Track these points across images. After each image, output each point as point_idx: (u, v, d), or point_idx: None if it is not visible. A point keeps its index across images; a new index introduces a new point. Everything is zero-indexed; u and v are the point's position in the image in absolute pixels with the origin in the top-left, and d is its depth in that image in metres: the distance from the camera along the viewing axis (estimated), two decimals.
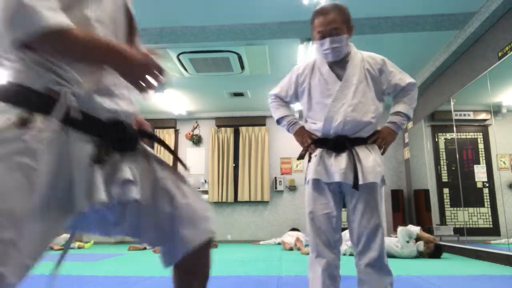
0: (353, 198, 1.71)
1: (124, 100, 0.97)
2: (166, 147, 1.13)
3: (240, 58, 5.04)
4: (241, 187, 7.42)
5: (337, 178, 1.67)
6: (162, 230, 1.02)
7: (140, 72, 0.91)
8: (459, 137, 5.08)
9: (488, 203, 4.72)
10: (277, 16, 4.07)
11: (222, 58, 5.02)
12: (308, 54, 4.77)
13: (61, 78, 0.85)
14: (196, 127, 7.86)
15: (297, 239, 5.62)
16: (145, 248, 5.82)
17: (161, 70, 0.94)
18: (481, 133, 4.96)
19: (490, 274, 3.27)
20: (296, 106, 5.91)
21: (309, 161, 1.82)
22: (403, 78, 1.79)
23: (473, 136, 5.03)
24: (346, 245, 4.55)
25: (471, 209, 4.87)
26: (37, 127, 0.80)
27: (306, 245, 5.53)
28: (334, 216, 1.72)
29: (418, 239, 4.54)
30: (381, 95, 1.80)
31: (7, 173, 0.76)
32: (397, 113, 1.81)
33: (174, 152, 1.13)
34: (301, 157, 1.84)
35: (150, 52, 0.94)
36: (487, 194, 4.76)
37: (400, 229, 4.55)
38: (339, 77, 1.74)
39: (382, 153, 1.80)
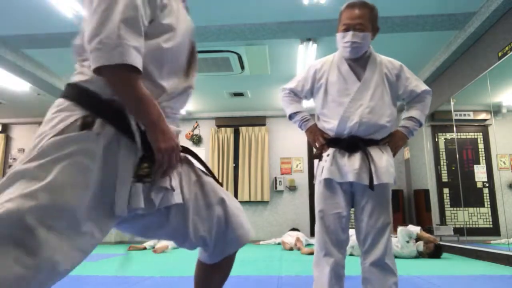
0: (363, 198, 1.72)
1: (174, 121, 1.08)
2: (200, 160, 1.19)
3: (240, 58, 5.04)
4: (241, 187, 7.42)
5: (350, 178, 1.68)
6: (214, 230, 1.11)
7: (164, 154, 0.96)
8: (459, 137, 5.08)
9: (488, 203, 4.72)
10: (277, 16, 4.07)
11: (222, 58, 5.02)
12: (308, 54, 4.77)
13: None
14: (196, 127, 7.86)
15: (297, 239, 5.62)
16: (145, 248, 5.82)
17: (173, 167, 1.00)
18: (481, 133, 4.96)
19: (490, 274, 3.27)
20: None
21: (320, 160, 1.81)
22: (419, 85, 1.81)
23: (473, 136, 5.03)
24: None
25: (471, 209, 4.87)
26: (98, 132, 0.89)
27: (307, 245, 5.52)
28: (344, 216, 1.73)
29: (418, 239, 4.54)
30: (396, 100, 1.82)
31: (67, 170, 0.84)
32: (410, 118, 1.83)
33: (206, 166, 1.20)
34: (316, 156, 1.82)
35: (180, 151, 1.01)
36: (487, 194, 4.76)
37: (400, 229, 4.55)
38: (358, 78, 1.74)
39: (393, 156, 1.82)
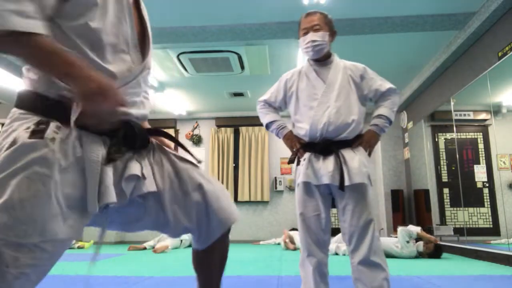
0: (342, 199, 1.79)
1: (135, 105, 1.02)
2: (175, 140, 1.16)
3: (240, 58, 5.04)
4: (241, 187, 7.42)
5: (325, 180, 1.76)
6: (195, 217, 1.08)
7: (88, 100, 0.85)
8: (459, 137, 5.08)
9: (488, 203, 4.72)
10: (277, 16, 4.07)
11: (222, 58, 5.02)
12: None
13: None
14: (196, 127, 7.86)
15: (287, 236, 5.65)
16: (145, 248, 5.82)
17: (115, 106, 0.89)
18: (481, 133, 4.96)
19: (490, 274, 3.27)
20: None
21: (297, 164, 1.92)
22: (383, 84, 1.91)
23: (473, 136, 5.03)
24: (345, 245, 4.54)
25: (471, 209, 4.87)
26: (53, 136, 0.85)
27: None
28: (323, 218, 1.82)
29: (419, 239, 4.54)
30: (364, 100, 1.91)
31: (26, 183, 0.81)
32: (379, 116, 1.90)
33: (183, 146, 1.17)
34: (291, 161, 1.94)
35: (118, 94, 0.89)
36: (487, 194, 4.76)
37: (400, 229, 4.55)
38: (325, 82, 1.86)
39: (368, 155, 1.88)
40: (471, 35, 4.13)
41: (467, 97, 4.75)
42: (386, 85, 1.91)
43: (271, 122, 2.02)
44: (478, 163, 4.88)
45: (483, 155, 4.84)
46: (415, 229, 4.57)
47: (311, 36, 1.83)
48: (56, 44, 0.85)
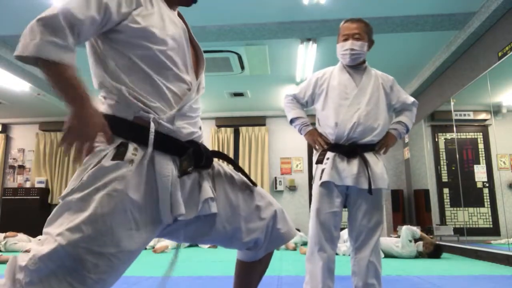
0: (357, 200, 1.88)
1: (197, 123, 1.13)
2: (234, 164, 1.27)
3: (240, 58, 5.04)
4: None
5: (348, 182, 1.83)
6: (265, 230, 1.20)
7: (74, 131, 0.90)
8: (459, 137, 5.08)
9: (488, 203, 4.72)
10: (277, 16, 4.07)
11: (222, 58, 5.02)
12: (308, 54, 4.77)
13: (147, 106, 1.00)
14: None
15: None
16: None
17: (83, 146, 0.93)
18: (481, 133, 4.96)
19: (490, 274, 3.27)
20: None
21: (319, 162, 1.96)
22: (408, 97, 2.06)
23: (473, 136, 5.03)
24: (345, 246, 4.54)
25: (471, 209, 4.87)
26: (131, 159, 0.96)
27: (303, 244, 5.52)
28: (338, 215, 1.89)
29: (419, 239, 4.54)
30: (389, 108, 2.02)
31: (107, 199, 0.92)
32: (399, 122, 2.04)
33: (242, 169, 1.27)
34: (319, 161, 1.96)
35: (104, 130, 0.95)
36: (487, 194, 4.76)
37: (404, 227, 4.54)
38: (357, 85, 1.94)
39: (383, 153, 1.98)
40: (471, 35, 4.13)
41: (467, 97, 4.75)
42: (411, 98, 2.06)
43: (296, 118, 2.09)
44: (478, 163, 4.89)
45: (483, 155, 4.84)
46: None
47: (351, 44, 1.89)
48: (72, 76, 0.91)
